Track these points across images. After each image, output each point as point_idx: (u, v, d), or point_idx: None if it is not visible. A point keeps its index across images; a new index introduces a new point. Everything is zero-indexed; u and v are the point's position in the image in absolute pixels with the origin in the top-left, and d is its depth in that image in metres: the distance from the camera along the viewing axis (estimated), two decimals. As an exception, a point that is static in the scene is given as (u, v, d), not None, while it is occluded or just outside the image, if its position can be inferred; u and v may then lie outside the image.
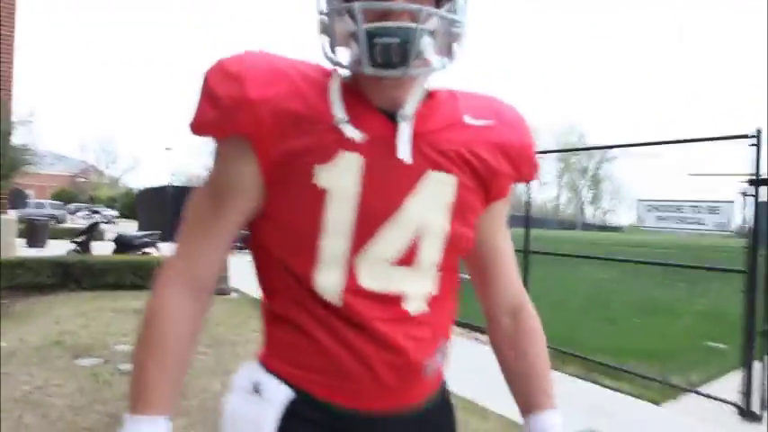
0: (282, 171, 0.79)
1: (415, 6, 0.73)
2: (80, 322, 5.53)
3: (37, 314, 5.85)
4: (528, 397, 0.94)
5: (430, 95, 0.85)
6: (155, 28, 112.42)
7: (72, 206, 40.82)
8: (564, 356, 5.36)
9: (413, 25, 0.73)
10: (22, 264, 7.00)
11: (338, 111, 0.78)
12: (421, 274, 0.85)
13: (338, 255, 0.80)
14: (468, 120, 0.86)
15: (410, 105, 0.80)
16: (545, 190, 72.91)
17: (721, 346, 6.04)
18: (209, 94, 0.78)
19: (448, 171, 0.83)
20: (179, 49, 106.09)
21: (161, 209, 20.65)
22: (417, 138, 0.81)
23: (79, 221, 30.12)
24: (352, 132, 0.78)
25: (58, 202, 34.54)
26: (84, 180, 60.74)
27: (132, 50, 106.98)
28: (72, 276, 7.24)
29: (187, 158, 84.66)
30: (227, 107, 0.77)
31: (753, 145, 3.99)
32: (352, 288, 0.81)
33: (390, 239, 0.82)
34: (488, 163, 0.86)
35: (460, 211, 0.85)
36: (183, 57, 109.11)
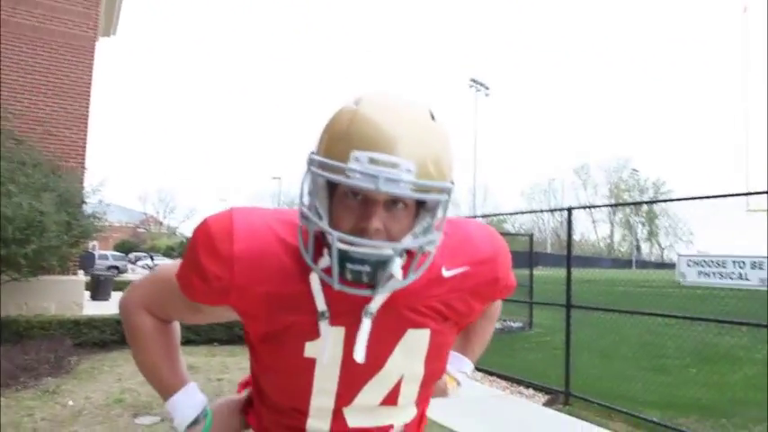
0: (273, 340, 0.89)
1: (389, 244, 0.78)
2: (139, 379, 5.86)
3: (101, 372, 6.25)
4: (459, 347, 1.21)
5: None
6: (206, 88, 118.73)
7: (132, 256, 42.80)
8: (611, 412, 5.26)
9: (386, 253, 0.77)
10: (89, 322, 7.51)
11: (320, 304, 0.85)
12: (403, 409, 0.99)
13: (327, 408, 0.93)
14: (445, 273, 0.91)
15: (375, 304, 0.86)
16: (598, 227, 71.00)
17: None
18: (199, 270, 0.85)
19: (423, 326, 0.91)
20: (231, 103, 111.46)
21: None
22: (395, 302, 0.87)
23: (139, 271, 31.54)
24: (325, 329, 0.86)
25: (119, 254, 36.25)
26: (144, 231, 63.67)
27: (186, 105, 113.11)
28: (133, 333, 7.67)
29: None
30: (216, 288, 0.85)
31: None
32: (342, 429, 0.95)
33: (374, 391, 0.93)
34: (461, 312, 0.96)
35: (435, 354, 0.95)
36: (233, 115, 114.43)
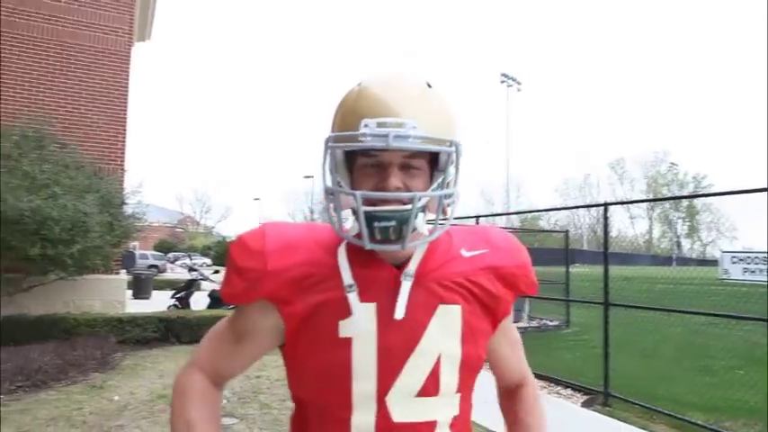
0: (307, 325, 0.91)
1: (408, 194, 0.85)
2: (180, 376, 6.03)
3: (144, 368, 6.44)
4: None
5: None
6: (239, 89, 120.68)
7: (171, 255, 43.89)
8: (652, 413, 5.13)
9: (407, 207, 0.84)
10: (132, 320, 7.74)
11: (347, 278, 0.90)
12: (445, 401, 0.96)
13: (370, 395, 0.91)
14: (464, 253, 0.99)
15: (413, 264, 0.93)
16: (636, 223, 69.30)
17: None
18: (235, 269, 0.93)
19: (453, 302, 0.94)
20: (264, 104, 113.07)
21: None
22: (423, 278, 0.93)
23: (178, 270, 32.33)
24: (356, 304, 0.89)
25: (159, 253, 37.19)
26: (182, 230, 65.23)
27: (220, 106, 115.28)
28: (173, 331, 7.89)
29: (274, 207, 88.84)
30: (250, 278, 0.91)
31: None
32: (387, 425, 0.91)
33: (414, 372, 0.92)
34: (488, 290, 0.98)
35: (470, 336, 0.96)
36: (268, 111, 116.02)
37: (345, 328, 0.90)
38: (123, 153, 8.98)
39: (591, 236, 65.06)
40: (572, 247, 12.14)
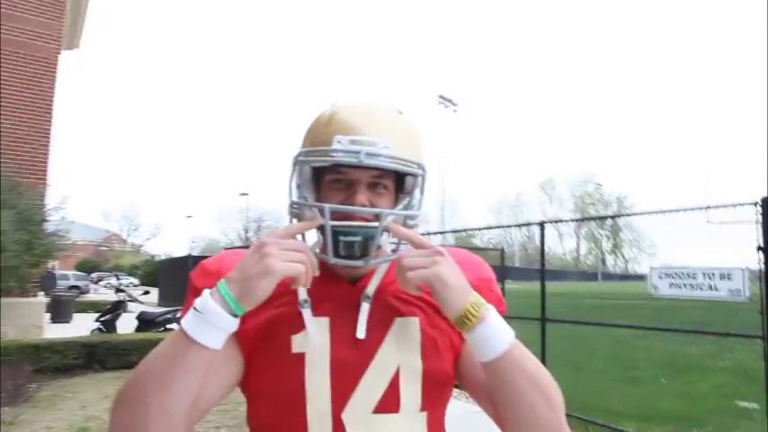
0: (262, 343, 0.90)
1: (374, 210, 0.86)
2: (104, 406, 5.62)
3: (63, 399, 5.95)
4: None
5: None
6: (173, 100, 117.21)
7: (95, 275, 41.47)
8: (586, 424, 5.26)
9: (374, 225, 0.85)
10: (50, 346, 7.18)
11: (301, 293, 0.89)
12: (408, 420, 0.90)
13: (325, 414, 0.87)
14: None
15: (373, 284, 0.92)
16: (564, 241, 72.34)
17: (754, 405, 5.86)
18: (192, 290, 0.91)
19: (411, 314, 0.93)
20: (198, 119, 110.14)
21: (182, 279, 20.92)
22: (380, 292, 0.93)
23: (102, 291, 30.58)
24: (309, 318, 0.88)
25: (81, 273, 35.07)
26: (107, 249, 61.93)
27: (151, 120, 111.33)
28: (96, 357, 7.38)
29: (207, 225, 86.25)
30: None
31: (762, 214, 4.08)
32: None
33: (370, 387, 0.89)
34: None
35: (432, 349, 0.93)
36: (201, 126, 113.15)
37: (298, 343, 0.89)
38: (46, 167, 8.41)
39: (522, 253, 67.35)
40: (505, 264, 12.43)
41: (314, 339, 0.88)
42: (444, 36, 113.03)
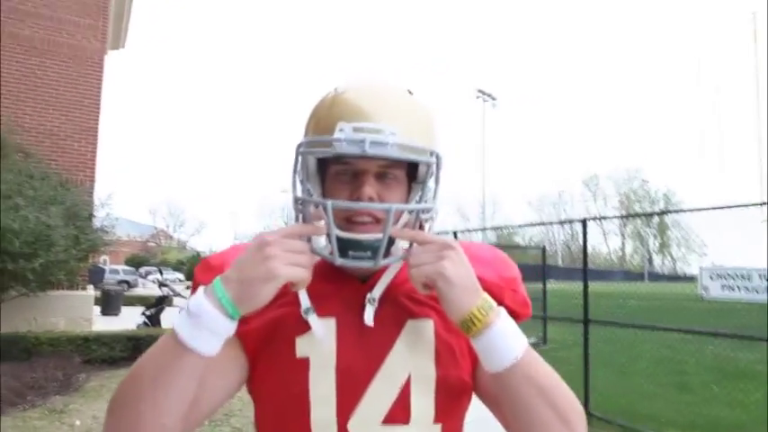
0: (266, 345, 0.84)
1: (381, 206, 0.79)
2: (148, 397, 5.76)
3: (109, 390, 6.14)
4: None
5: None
6: (215, 101, 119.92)
7: (143, 270, 42.94)
8: (631, 432, 5.07)
9: (378, 237, 0.78)
10: (98, 338, 7.42)
11: (304, 300, 0.82)
12: (419, 430, 0.83)
13: (330, 423, 0.81)
14: None
15: (379, 287, 0.85)
16: (609, 239, 70.45)
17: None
18: (195, 287, 0.85)
19: (424, 316, 0.85)
20: (241, 116, 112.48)
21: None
22: (392, 291, 0.85)
23: (150, 285, 31.62)
24: (315, 324, 0.81)
25: (130, 268, 36.37)
26: (154, 244, 64.03)
27: (195, 118, 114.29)
28: (141, 350, 7.57)
29: (250, 221, 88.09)
30: None
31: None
32: None
33: (379, 396, 0.82)
34: None
35: (447, 355, 0.85)
36: (244, 123, 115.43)
37: (302, 347, 0.83)
38: (93, 164, 8.71)
39: (565, 252, 65.95)
40: (547, 263, 12.14)
41: (319, 343, 0.82)
42: (485, 30, 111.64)
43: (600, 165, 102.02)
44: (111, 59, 11.83)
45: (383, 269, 0.86)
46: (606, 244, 70.90)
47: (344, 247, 0.79)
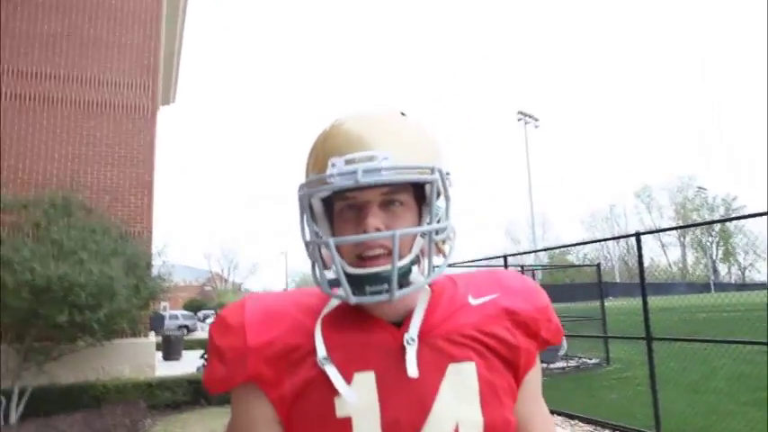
0: (300, 408, 0.79)
1: (384, 234, 0.75)
2: (212, 440, 5.87)
3: (174, 433, 6.29)
4: None
5: (429, 287, 0.86)
6: (262, 146, 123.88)
7: (201, 314, 44.03)
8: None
9: (389, 268, 0.74)
10: (161, 384, 7.65)
11: (320, 349, 0.78)
12: None
13: None
14: (472, 301, 0.86)
15: (415, 322, 0.81)
16: (668, 251, 67.56)
17: None
18: (215, 351, 0.82)
19: (466, 359, 0.81)
20: (284, 160, 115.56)
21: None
22: (428, 334, 0.81)
23: (208, 329, 32.27)
24: (334, 376, 0.77)
25: (188, 312, 37.30)
26: (210, 288, 65.73)
27: (241, 164, 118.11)
28: (201, 393, 7.76)
29: (300, 260, 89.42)
30: (231, 359, 0.80)
31: None
32: None
33: None
34: (506, 340, 0.84)
35: (492, 397, 0.82)
36: (290, 167, 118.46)
37: (343, 407, 0.77)
38: (150, 215, 9.11)
39: (622, 267, 63.53)
40: (603, 279, 11.77)
41: (355, 400, 0.77)
42: (518, 53, 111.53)
43: (651, 176, 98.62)
44: (162, 114, 12.47)
45: (413, 310, 0.83)
46: (665, 256, 68.03)
47: (360, 283, 0.76)
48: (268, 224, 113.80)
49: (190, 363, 11.91)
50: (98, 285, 6.48)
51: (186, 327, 29.52)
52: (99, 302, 6.54)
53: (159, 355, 12.71)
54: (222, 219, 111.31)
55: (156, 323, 15.14)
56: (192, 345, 18.25)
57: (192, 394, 7.72)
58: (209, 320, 39.52)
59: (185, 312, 36.65)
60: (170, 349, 15.46)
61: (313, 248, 0.80)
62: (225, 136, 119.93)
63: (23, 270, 6.18)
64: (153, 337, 9.63)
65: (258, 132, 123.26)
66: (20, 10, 8.82)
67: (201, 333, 29.58)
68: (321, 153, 0.80)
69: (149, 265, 8.16)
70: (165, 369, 9.71)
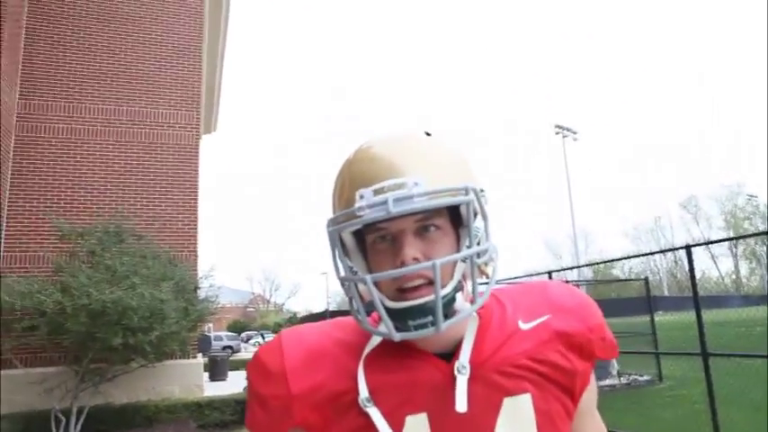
0: None
1: (423, 265, 0.71)
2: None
3: (224, 453, 6.40)
4: None
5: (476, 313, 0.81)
6: (300, 168, 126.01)
7: (244, 335, 44.72)
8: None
9: (431, 299, 0.71)
10: (210, 404, 7.82)
11: (362, 390, 0.75)
12: None
13: None
14: (522, 326, 0.82)
15: (465, 352, 0.77)
16: (720, 262, 64.88)
17: None
18: (255, 396, 0.80)
19: (522, 392, 0.78)
20: (324, 183, 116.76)
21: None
22: (480, 368, 0.77)
23: (251, 349, 32.80)
24: (379, 422, 0.73)
25: (232, 334, 37.96)
26: (253, 309, 66.77)
27: (282, 187, 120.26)
28: (249, 412, 7.88)
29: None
30: (276, 408, 0.77)
31: None
32: None
33: None
34: (561, 366, 0.80)
35: (549, 426, 0.79)
36: (329, 188, 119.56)
37: None
38: (196, 240, 9.42)
39: (671, 280, 61.31)
40: (652, 293, 11.41)
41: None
42: (551, 68, 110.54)
43: (696, 185, 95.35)
44: (205, 142, 12.90)
45: (461, 339, 0.79)
46: (717, 267, 65.27)
47: (402, 317, 0.73)
48: (308, 245, 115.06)
49: (236, 383, 12.10)
50: (150, 309, 6.72)
51: (231, 347, 30.03)
52: (151, 325, 6.79)
53: (206, 375, 12.98)
54: (263, 241, 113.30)
55: (203, 345, 15.46)
56: (237, 365, 18.52)
57: (240, 414, 7.85)
58: (253, 341, 40.10)
59: (229, 333, 37.30)
60: (216, 370, 15.75)
61: (349, 285, 0.76)
62: (265, 160, 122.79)
63: (81, 295, 6.49)
64: (200, 359, 9.87)
65: (297, 155, 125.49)
66: (72, 48, 9.37)
67: (245, 354, 30.00)
68: (348, 184, 0.76)
69: (197, 289, 8.41)
70: (212, 389, 9.89)
